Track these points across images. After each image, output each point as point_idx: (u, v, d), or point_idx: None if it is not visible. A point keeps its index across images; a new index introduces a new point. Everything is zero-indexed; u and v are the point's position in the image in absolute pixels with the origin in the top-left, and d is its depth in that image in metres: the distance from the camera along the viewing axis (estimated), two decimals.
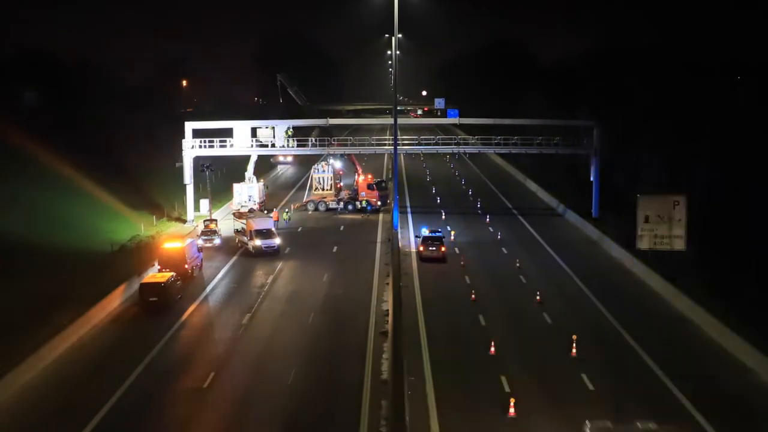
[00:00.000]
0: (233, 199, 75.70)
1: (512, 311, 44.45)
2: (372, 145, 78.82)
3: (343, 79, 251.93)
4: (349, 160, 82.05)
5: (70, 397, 32.91)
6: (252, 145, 73.12)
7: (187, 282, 49.79)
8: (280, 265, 55.82)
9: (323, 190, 79.61)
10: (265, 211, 69.20)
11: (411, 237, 63.34)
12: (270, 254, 58.16)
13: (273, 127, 74.11)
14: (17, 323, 38.60)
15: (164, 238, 60.10)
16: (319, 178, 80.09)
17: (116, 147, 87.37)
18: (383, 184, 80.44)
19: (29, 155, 73.42)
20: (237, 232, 62.80)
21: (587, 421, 27.65)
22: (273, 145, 74.11)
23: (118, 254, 55.87)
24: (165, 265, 50.16)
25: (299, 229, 69.05)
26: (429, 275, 52.31)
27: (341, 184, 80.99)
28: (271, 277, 52.45)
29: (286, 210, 75.14)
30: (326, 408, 31.84)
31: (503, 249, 60.40)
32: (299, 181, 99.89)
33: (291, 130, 75.36)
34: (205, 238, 60.94)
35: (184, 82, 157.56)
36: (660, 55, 76.05)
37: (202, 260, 54.81)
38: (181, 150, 71.25)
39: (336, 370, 35.62)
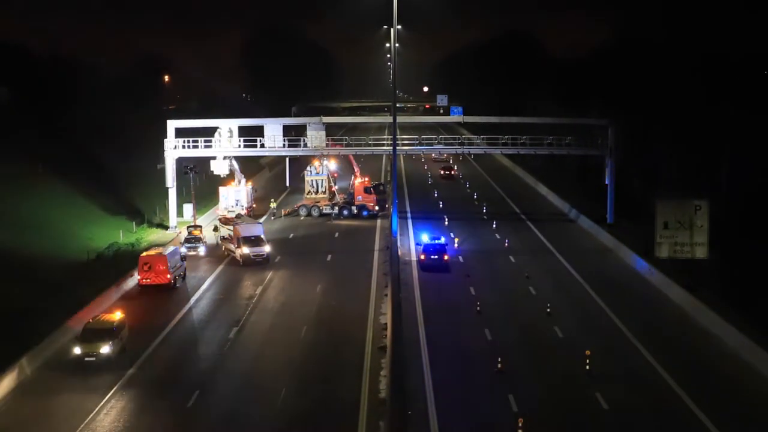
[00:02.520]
0: (219, 203, 75.61)
1: (520, 324, 44.51)
2: (369, 145, 78.90)
3: (338, 74, 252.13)
4: (348, 161, 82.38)
5: (44, 415, 32.95)
6: (240, 145, 73.12)
7: (169, 292, 49.92)
8: (269, 274, 55.86)
9: (316, 193, 79.66)
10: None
11: (411, 244, 63.43)
12: (259, 263, 58.19)
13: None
14: None
15: (145, 245, 60.25)
16: (312, 181, 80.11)
17: (93, 147, 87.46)
18: (381, 188, 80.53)
19: None
20: (223, 239, 62.80)
21: None
22: (263, 146, 74.03)
23: (94, 263, 55.94)
24: (145, 275, 50.49)
25: (290, 236, 69.13)
26: (431, 286, 52.37)
27: (336, 187, 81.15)
28: (260, 288, 52.50)
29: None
30: (320, 430, 31.85)
31: (511, 257, 60.50)
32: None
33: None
34: (189, 245, 60.96)
35: (166, 78, 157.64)
36: (680, 49, 76.14)
37: (185, 269, 54.86)
38: (163, 150, 71.23)
39: (330, 388, 35.63)
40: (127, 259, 56.37)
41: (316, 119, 75.17)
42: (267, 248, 59.33)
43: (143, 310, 47.33)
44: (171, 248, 54.29)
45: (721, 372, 37.53)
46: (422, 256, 56.72)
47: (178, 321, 45.83)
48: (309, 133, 74.23)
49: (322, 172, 79.75)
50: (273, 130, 73.35)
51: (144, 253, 53.19)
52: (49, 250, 56.09)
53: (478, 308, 46.61)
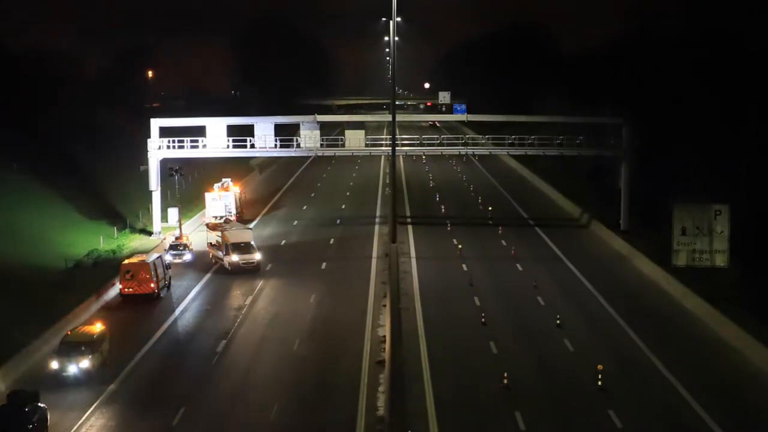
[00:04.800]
0: (206, 209, 75.16)
1: (528, 337, 44.56)
2: (367, 145, 78.89)
3: (333, 70, 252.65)
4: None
5: None
6: (228, 146, 72.98)
7: (153, 302, 50.09)
8: (260, 283, 55.92)
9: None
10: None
11: (412, 251, 63.49)
12: (249, 271, 58.24)
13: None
14: None
15: (127, 252, 60.20)
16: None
17: (71, 146, 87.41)
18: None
19: None
20: (211, 245, 62.73)
21: None
22: (253, 146, 73.90)
23: (73, 270, 55.97)
24: (128, 284, 50.68)
25: (282, 243, 69.20)
26: (432, 296, 52.44)
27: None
28: (250, 298, 52.55)
29: None
30: None
31: (518, 265, 60.53)
32: (283, 187, 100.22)
33: None
34: (175, 252, 60.96)
35: (150, 73, 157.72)
36: (699, 44, 76.21)
37: (170, 278, 54.90)
38: (146, 151, 71.16)
39: (325, 404, 35.70)
40: (108, 267, 56.45)
41: (310, 117, 74.89)
42: (257, 255, 59.36)
43: (125, 321, 47.40)
44: (155, 255, 54.36)
45: (743, 389, 37.51)
46: None
47: (163, 333, 45.87)
48: (302, 132, 73.95)
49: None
50: (264, 129, 73.06)
51: (126, 261, 53.24)
52: (23, 257, 56.08)
53: (482, 320, 46.65)
